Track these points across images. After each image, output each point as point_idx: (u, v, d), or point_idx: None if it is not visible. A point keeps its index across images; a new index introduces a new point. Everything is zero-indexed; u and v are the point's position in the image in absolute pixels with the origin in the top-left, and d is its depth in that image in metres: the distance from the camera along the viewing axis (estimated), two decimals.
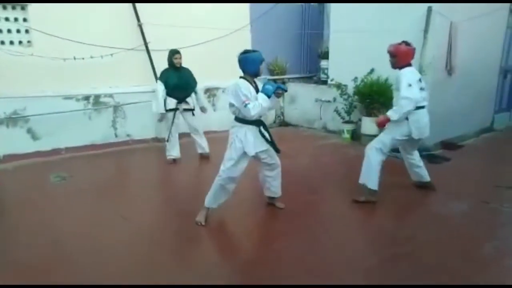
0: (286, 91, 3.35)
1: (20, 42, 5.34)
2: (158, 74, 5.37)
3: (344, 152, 5.97)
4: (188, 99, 5.25)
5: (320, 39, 8.21)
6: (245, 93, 3.14)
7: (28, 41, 5.37)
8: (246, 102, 3.11)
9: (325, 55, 7.49)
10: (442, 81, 5.78)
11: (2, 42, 5.21)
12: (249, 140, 3.26)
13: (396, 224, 3.55)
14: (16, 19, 5.27)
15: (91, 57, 5.58)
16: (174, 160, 5.37)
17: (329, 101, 7.08)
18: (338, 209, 3.86)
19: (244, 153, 3.28)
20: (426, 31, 5.47)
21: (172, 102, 5.14)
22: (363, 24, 6.24)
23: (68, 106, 5.69)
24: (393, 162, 5.27)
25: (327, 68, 7.37)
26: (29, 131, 5.49)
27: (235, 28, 7.03)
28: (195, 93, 5.35)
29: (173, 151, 5.34)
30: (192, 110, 5.31)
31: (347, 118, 6.69)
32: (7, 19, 5.20)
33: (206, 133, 6.87)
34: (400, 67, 3.71)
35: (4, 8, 5.18)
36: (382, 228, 3.46)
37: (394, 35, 4.23)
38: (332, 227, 3.50)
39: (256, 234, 3.45)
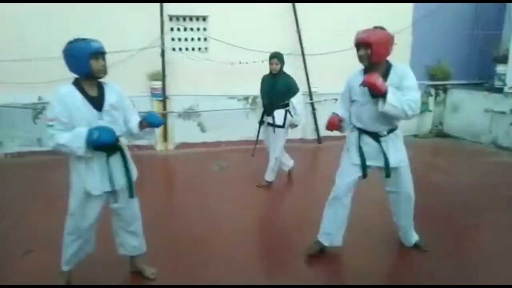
0: (156, 126, 2.35)
1: (199, 49, 6.31)
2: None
3: None
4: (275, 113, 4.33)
5: (497, 41, 7.06)
6: (54, 109, 2.15)
7: (205, 48, 6.30)
8: (49, 123, 2.14)
9: (503, 59, 6.41)
10: None
11: (186, 49, 6.26)
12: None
13: None
14: (198, 29, 6.25)
15: (254, 61, 6.15)
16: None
17: (503, 113, 6.06)
18: (498, 238, 3.29)
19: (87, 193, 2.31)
20: None
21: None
22: None
23: (230, 105, 6.44)
24: None
25: (504, 74, 6.30)
26: (199, 124, 6.44)
27: (395, 30, 6.65)
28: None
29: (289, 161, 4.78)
30: (274, 126, 4.36)
31: None
32: (191, 29, 6.23)
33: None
34: (379, 62, 2.56)
35: (191, 19, 6.22)
36: None
37: None
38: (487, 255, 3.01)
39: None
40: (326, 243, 2.91)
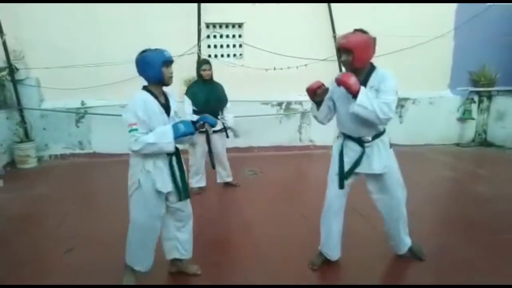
0: (212, 125, 2.56)
1: (234, 55, 6.40)
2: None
3: None
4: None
5: None
6: (137, 113, 2.27)
7: (240, 54, 6.39)
8: (132, 127, 2.27)
9: None
10: None
11: (222, 55, 6.37)
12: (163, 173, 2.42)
13: None
14: (233, 36, 6.35)
15: (288, 67, 6.17)
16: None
17: None
18: None
19: (156, 191, 2.40)
20: None
21: None
22: None
23: (264, 110, 6.47)
24: None
25: None
26: (232, 129, 6.48)
27: (436, 35, 6.47)
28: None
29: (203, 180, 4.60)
30: (222, 130, 4.44)
31: None
32: (227, 36, 6.34)
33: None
34: (362, 66, 2.46)
35: (227, 27, 6.33)
36: None
37: None
38: None
39: None
40: (327, 256, 2.86)
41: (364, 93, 2.36)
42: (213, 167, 4.52)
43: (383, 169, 2.61)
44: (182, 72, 6.07)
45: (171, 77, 2.39)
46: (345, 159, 2.65)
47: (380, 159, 2.60)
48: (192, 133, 2.40)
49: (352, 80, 2.36)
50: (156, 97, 2.38)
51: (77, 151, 6.20)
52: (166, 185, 2.42)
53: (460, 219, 3.79)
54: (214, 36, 6.35)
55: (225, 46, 6.40)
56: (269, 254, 3.10)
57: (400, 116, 6.80)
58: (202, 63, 4.36)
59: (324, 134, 6.69)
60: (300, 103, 6.61)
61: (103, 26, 5.83)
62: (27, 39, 5.78)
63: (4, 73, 5.68)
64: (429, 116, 6.83)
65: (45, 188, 4.80)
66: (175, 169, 2.47)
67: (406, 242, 2.90)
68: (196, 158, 4.41)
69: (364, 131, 2.57)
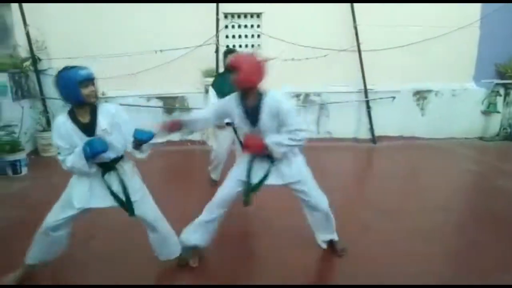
0: (144, 142, 2.30)
1: (253, 46, 6.35)
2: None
3: None
4: None
5: None
6: (54, 138, 2.28)
7: (258, 44, 6.32)
8: (57, 150, 2.31)
9: None
10: None
11: (240, 46, 6.33)
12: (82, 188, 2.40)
13: None
14: (252, 26, 6.29)
15: (307, 58, 6.07)
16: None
17: None
18: None
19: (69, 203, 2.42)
20: None
21: None
22: None
23: None
24: None
25: None
26: None
27: (460, 25, 6.24)
28: None
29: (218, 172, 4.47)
30: None
31: None
32: (245, 26, 6.28)
33: (408, 139, 6.46)
34: (248, 88, 2.48)
35: (245, 16, 6.27)
36: None
37: None
38: None
39: None
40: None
41: (272, 144, 2.45)
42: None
43: (290, 179, 2.70)
44: (201, 63, 6.08)
45: (92, 95, 2.22)
46: (254, 171, 2.67)
47: (290, 170, 2.70)
48: (101, 151, 2.21)
49: (255, 142, 2.48)
50: (74, 118, 2.25)
51: None
52: (81, 201, 2.39)
53: (486, 214, 3.69)
54: (233, 26, 6.31)
55: (243, 36, 6.36)
56: (282, 246, 3.10)
57: (422, 109, 6.62)
58: (228, 52, 4.17)
59: (342, 127, 6.63)
60: (319, 94, 6.53)
61: (124, 17, 5.85)
62: (49, 29, 5.88)
63: (28, 63, 5.81)
64: (452, 109, 6.63)
65: (67, 176, 4.88)
66: (109, 184, 2.39)
67: (329, 238, 2.92)
68: (219, 151, 4.31)
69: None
